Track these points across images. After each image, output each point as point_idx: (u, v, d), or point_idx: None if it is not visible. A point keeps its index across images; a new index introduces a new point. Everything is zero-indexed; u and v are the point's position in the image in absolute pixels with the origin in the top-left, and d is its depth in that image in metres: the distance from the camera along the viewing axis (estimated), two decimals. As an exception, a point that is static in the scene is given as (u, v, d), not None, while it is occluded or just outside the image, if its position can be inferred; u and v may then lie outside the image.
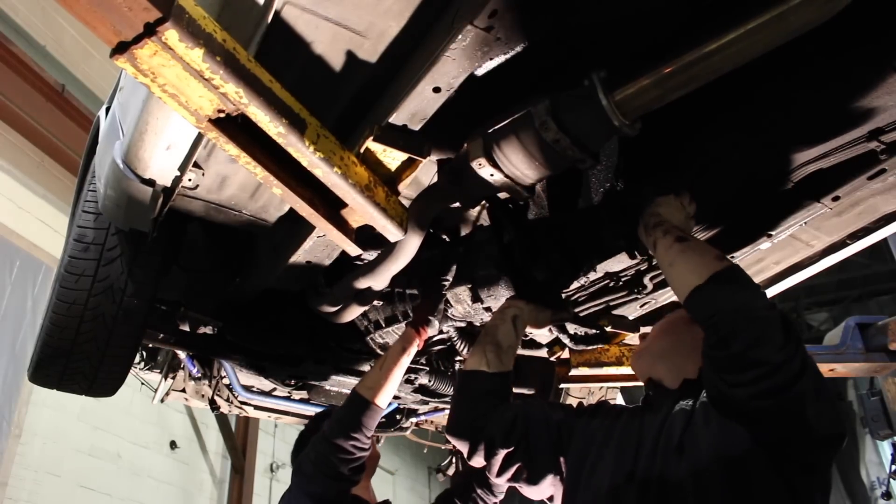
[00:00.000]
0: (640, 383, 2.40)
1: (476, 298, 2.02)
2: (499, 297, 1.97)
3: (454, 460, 3.91)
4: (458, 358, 2.42)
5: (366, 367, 2.77)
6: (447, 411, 3.11)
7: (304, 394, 3.21)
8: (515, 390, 2.19)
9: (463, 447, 1.64)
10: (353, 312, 2.17)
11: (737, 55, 1.27)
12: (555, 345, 2.41)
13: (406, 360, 2.11)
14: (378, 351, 2.50)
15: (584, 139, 1.43)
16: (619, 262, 1.91)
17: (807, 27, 1.21)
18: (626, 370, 2.77)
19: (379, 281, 1.98)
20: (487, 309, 2.06)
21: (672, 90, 1.36)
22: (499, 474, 1.59)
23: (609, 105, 1.37)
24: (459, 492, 2.22)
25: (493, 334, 1.74)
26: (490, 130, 1.52)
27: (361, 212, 1.55)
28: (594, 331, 2.23)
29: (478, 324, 2.25)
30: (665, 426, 1.38)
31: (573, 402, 3.54)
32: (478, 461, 1.62)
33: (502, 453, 1.57)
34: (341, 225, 1.63)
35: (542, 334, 2.35)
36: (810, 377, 1.20)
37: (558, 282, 1.96)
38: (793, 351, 1.20)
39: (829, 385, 1.24)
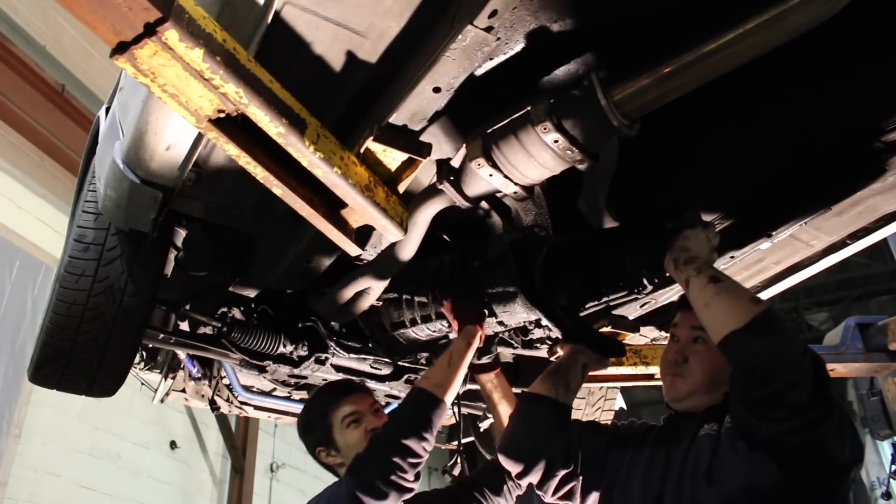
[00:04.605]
0: (639, 383, 2.40)
1: (490, 313, 2.02)
2: (514, 313, 1.97)
3: (459, 460, 3.90)
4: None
5: (366, 368, 2.76)
6: (449, 411, 3.07)
7: (304, 394, 3.20)
8: (515, 390, 2.19)
9: (516, 467, 1.66)
10: (353, 312, 2.17)
11: (736, 55, 1.27)
12: (554, 345, 2.41)
13: (469, 357, 1.98)
14: (379, 354, 2.50)
15: (583, 139, 1.43)
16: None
17: (806, 27, 1.21)
18: (626, 370, 2.76)
19: (379, 281, 1.97)
20: (500, 323, 2.06)
21: (671, 90, 1.36)
22: (554, 493, 1.64)
23: (608, 105, 1.37)
24: (489, 483, 2.10)
25: (566, 375, 1.80)
26: (489, 130, 1.52)
27: (361, 212, 1.55)
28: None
29: (489, 334, 2.25)
30: (691, 452, 1.44)
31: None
32: (529, 481, 1.65)
33: (561, 474, 1.62)
34: (341, 225, 1.63)
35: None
36: (834, 414, 1.28)
37: (576, 305, 1.96)
38: (822, 392, 1.28)
39: (848, 416, 1.33)
